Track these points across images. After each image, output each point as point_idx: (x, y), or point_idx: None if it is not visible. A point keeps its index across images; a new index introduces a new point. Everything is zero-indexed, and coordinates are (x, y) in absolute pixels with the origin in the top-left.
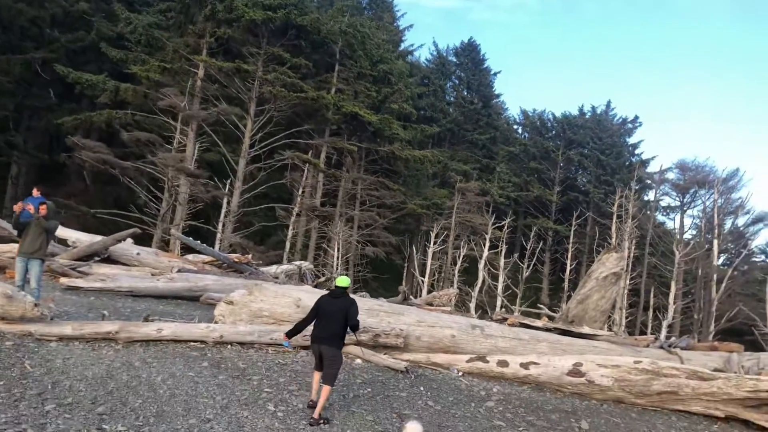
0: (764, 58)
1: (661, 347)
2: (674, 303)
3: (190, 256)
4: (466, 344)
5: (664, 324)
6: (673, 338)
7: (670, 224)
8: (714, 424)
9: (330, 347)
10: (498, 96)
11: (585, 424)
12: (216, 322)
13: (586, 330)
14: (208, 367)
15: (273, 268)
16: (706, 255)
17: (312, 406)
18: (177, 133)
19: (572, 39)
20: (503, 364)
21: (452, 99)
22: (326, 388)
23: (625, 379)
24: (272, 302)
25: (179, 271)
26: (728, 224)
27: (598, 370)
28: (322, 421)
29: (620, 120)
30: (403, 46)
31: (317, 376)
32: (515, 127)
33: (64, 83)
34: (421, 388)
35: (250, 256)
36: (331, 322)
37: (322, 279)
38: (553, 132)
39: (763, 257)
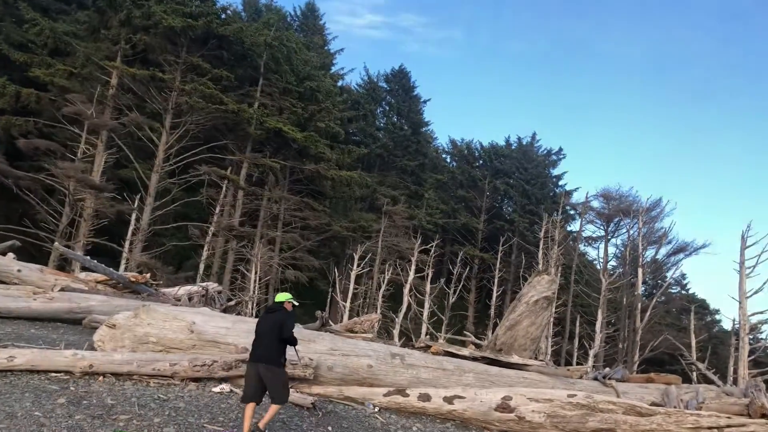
0: (683, 89)
1: (596, 379)
2: (600, 332)
3: (82, 275)
4: (384, 375)
5: (591, 353)
6: (607, 369)
7: (593, 253)
8: None
9: (267, 365)
10: (428, 124)
11: None
12: (95, 349)
13: (515, 359)
14: (65, 405)
15: (175, 290)
16: (630, 284)
17: None
18: (82, 142)
19: (498, 73)
20: (425, 398)
21: (382, 124)
22: (273, 407)
23: (558, 415)
24: (161, 326)
25: (62, 290)
26: (650, 254)
27: (528, 405)
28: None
29: (545, 151)
30: (333, 69)
31: (249, 408)
32: (443, 155)
33: None
34: (329, 428)
35: (148, 275)
36: (266, 338)
37: (232, 303)
38: (481, 161)
39: (678, 288)
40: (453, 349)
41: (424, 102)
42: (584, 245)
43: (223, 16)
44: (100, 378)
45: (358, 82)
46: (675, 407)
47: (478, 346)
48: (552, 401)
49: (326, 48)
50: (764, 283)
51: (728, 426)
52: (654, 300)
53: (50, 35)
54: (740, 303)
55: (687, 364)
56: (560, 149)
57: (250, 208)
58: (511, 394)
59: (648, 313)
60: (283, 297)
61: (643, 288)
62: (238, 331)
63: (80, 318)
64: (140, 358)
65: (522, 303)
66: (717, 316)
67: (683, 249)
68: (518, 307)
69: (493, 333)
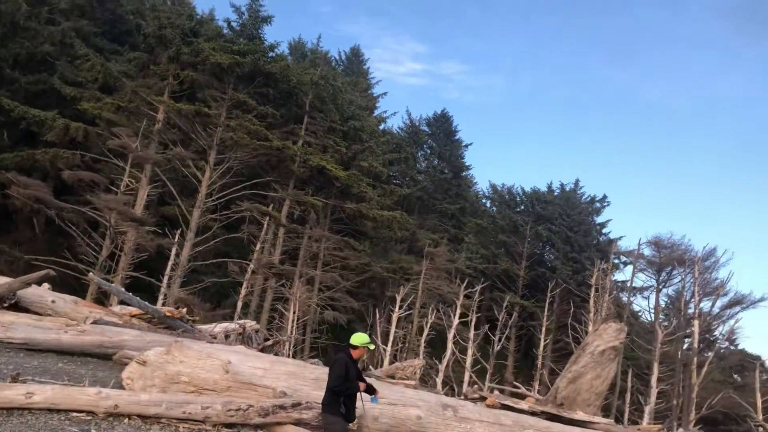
0: (733, 135)
1: None
2: (656, 387)
3: (117, 308)
4: (435, 429)
5: (647, 410)
6: (681, 430)
7: (643, 303)
8: None
9: (321, 413)
10: (468, 168)
11: None
12: (123, 387)
13: (580, 416)
14: None
15: (211, 327)
16: (683, 337)
17: None
18: (126, 176)
19: (540, 120)
20: None
21: (423, 167)
22: None
23: None
24: (194, 365)
25: (95, 322)
26: (706, 305)
27: None
28: None
29: (588, 198)
30: (376, 112)
31: None
32: (483, 200)
33: (18, 126)
34: None
35: (184, 310)
36: (326, 383)
37: (269, 342)
38: (522, 207)
39: (726, 344)
40: (510, 401)
41: (466, 146)
42: (631, 295)
43: (271, 54)
44: (126, 420)
45: (399, 126)
46: None
47: (538, 400)
48: None
49: (370, 92)
50: None
51: None
52: (712, 354)
53: (101, 70)
54: None
55: (755, 425)
56: (604, 196)
57: (290, 247)
58: None
59: (705, 368)
60: (356, 339)
61: (687, 342)
62: (277, 373)
63: (111, 353)
64: (170, 399)
65: (586, 353)
66: None
67: (740, 301)
68: (582, 358)
69: (540, 384)
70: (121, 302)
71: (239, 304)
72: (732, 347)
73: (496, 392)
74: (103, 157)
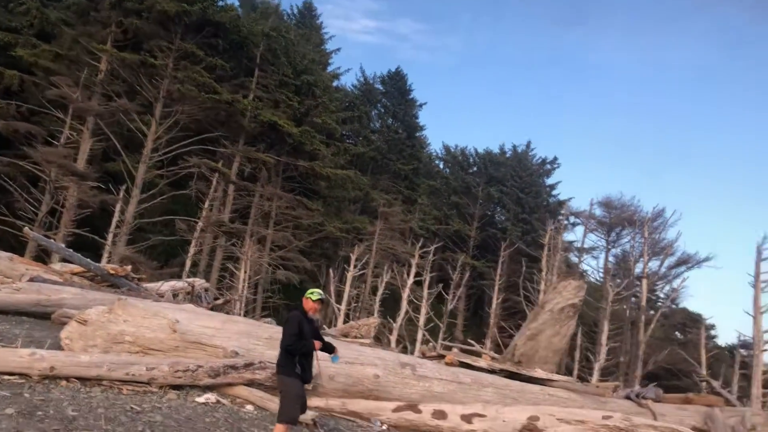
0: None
1: (628, 398)
2: (605, 344)
3: (57, 266)
4: (393, 388)
5: (596, 366)
6: (637, 387)
7: (592, 263)
8: None
9: (276, 374)
10: (423, 128)
11: None
12: (62, 348)
13: (539, 373)
14: (13, 416)
15: (158, 285)
16: (633, 296)
17: None
18: (66, 128)
19: (493, 81)
20: (440, 415)
21: (377, 127)
22: (275, 427)
23: None
24: (139, 324)
25: (32, 280)
26: (654, 265)
27: (558, 427)
28: None
29: (539, 160)
30: (330, 69)
31: None
32: (437, 162)
33: None
34: None
35: (129, 268)
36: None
37: (220, 301)
38: (475, 168)
39: (668, 302)
40: (469, 359)
41: (420, 106)
42: (576, 255)
43: (220, 3)
44: (63, 383)
45: (353, 83)
46: None
47: (494, 358)
48: (585, 423)
49: (323, 47)
50: None
51: None
52: (659, 312)
53: (37, 15)
54: (755, 318)
55: (700, 380)
56: (555, 158)
57: (240, 205)
58: (538, 413)
59: (652, 326)
60: (308, 294)
61: (634, 300)
62: (228, 333)
63: (50, 312)
64: (112, 360)
65: (545, 311)
66: (712, 332)
67: (686, 261)
68: (541, 315)
69: (491, 342)
70: (63, 260)
71: (188, 263)
72: (673, 306)
73: (455, 350)
74: (41, 108)
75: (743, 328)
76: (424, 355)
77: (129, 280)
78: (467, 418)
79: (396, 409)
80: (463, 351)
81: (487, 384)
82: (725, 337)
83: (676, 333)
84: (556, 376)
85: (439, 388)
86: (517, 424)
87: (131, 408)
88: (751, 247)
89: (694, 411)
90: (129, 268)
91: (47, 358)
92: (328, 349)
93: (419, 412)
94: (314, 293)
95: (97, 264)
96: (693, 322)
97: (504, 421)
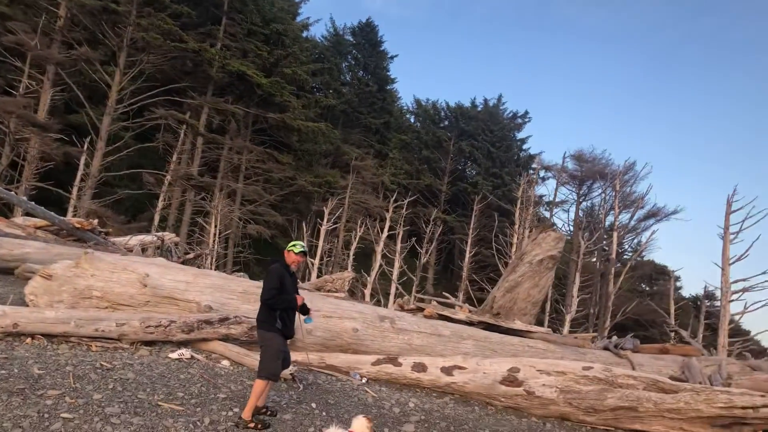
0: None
1: (606, 348)
2: (576, 296)
3: (20, 220)
4: (372, 341)
5: (567, 318)
6: (614, 338)
7: (563, 216)
8: None
9: (257, 331)
10: (394, 81)
11: None
12: (26, 304)
13: (519, 325)
14: None
15: (126, 239)
16: (603, 248)
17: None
18: (25, 77)
19: (463, 34)
20: (420, 368)
21: (347, 79)
22: (255, 384)
23: (573, 390)
24: (107, 278)
25: None
26: (624, 218)
27: (539, 378)
28: (252, 425)
29: (510, 114)
30: (299, 19)
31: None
32: (408, 116)
33: None
34: (313, 405)
35: (96, 222)
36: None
37: (191, 255)
38: (446, 122)
39: (632, 254)
40: (448, 312)
41: (391, 58)
42: (545, 210)
43: None
44: (28, 340)
45: (323, 34)
46: (700, 382)
47: (470, 310)
48: (565, 374)
49: None
50: (748, 249)
51: (765, 406)
52: (628, 264)
53: None
54: (723, 269)
55: (670, 330)
56: (526, 112)
57: (209, 158)
58: (518, 365)
59: (621, 278)
60: (289, 246)
61: (604, 252)
62: (201, 287)
63: (12, 267)
64: (80, 316)
65: (524, 262)
66: (678, 283)
67: (655, 214)
68: (520, 267)
69: (464, 295)
70: (27, 214)
71: (156, 218)
72: (639, 258)
73: (434, 303)
74: None
75: (710, 278)
76: (402, 309)
77: (96, 234)
78: (447, 371)
79: (376, 363)
80: (439, 304)
81: (466, 336)
82: (689, 288)
83: (642, 285)
84: (535, 328)
85: (419, 341)
86: (497, 375)
87: (101, 365)
88: (716, 200)
89: (671, 360)
90: (96, 222)
91: (9, 314)
92: (303, 310)
93: (399, 365)
94: (296, 245)
95: (61, 217)
96: (659, 274)
97: (484, 373)
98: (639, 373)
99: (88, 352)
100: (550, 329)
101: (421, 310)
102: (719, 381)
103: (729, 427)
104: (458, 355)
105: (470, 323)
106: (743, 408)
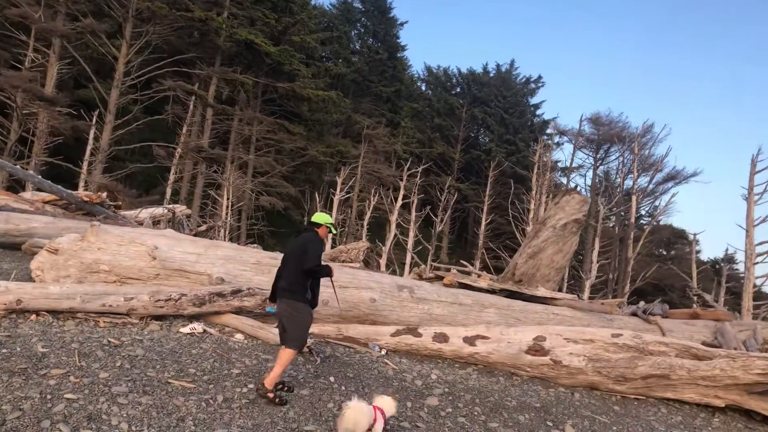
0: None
1: (635, 314)
2: (596, 262)
3: (28, 194)
4: (390, 311)
5: (587, 284)
6: (642, 303)
7: (580, 181)
8: (713, 416)
9: (288, 300)
10: (404, 48)
11: (570, 430)
12: (33, 279)
13: (542, 292)
14: None
15: (136, 212)
16: (623, 212)
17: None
18: (30, 50)
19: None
20: (441, 338)
21: (357, 48)
22: (283, 354)
23: (602, 359)
24: (115, 251)
25: None
26: (643, 182)
27: (566, 347)
28: (272, 395)
29: (523, 79)
30: None
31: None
32: (419, 83)
33: None
34: (332, 379)
35: (105, 195)
36: (288, 266)
37: (204, 228)
38: (458, 89)
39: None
40: (469, 280)
41: (401, 24)
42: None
43: None
44: (33, 317)
45: (331, 2)
46: (735, 348)
47: (491, 278)
48: (593, 342)
49: None
50: None
51: None
52: (647, 229)
53: None
54: (747, 231)
55: (693, 294)
56: (539, 77)
57: (220, 129)
58: (544, 333)
59: (641, 243)
60: (320, 218)
61: (621, 217)
62: (212, 258)
63: (20, 242)
64: (86, 291)
65: (548, 227)
66: (697, 247)
67: (674, 177)
68: (543, 232)
69: (480, 263)
70: (38, 190)
71: (168, 191)
72: (656, 222)
73: (454, 270)
74: (1, 29)
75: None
76: (420, 277)
77: (105, 207)
78: (470, 341)
79: (395, 333)
80: (459, 272)
81: (488, 305)
82: (708, 252)
83: (660, 249)
84: (559, 294)
85: (439, 310)
86: (522, 345)
87: (108, 342)
88: (739, 162)
89: (702, 326)
90: (104, 195)
91: (13, 290)
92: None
93: (419, 335)
94: (332, 224)
95: (69, 191)
96: (677, 237)
97: (509, 343)
98: (670, 339)
99: (95, 328)
100: (575, 296)
101: (440, 278)
102: (755, 346)
103: (766, 394)
104: (480, 325)
105: (492, 291)
106: None
